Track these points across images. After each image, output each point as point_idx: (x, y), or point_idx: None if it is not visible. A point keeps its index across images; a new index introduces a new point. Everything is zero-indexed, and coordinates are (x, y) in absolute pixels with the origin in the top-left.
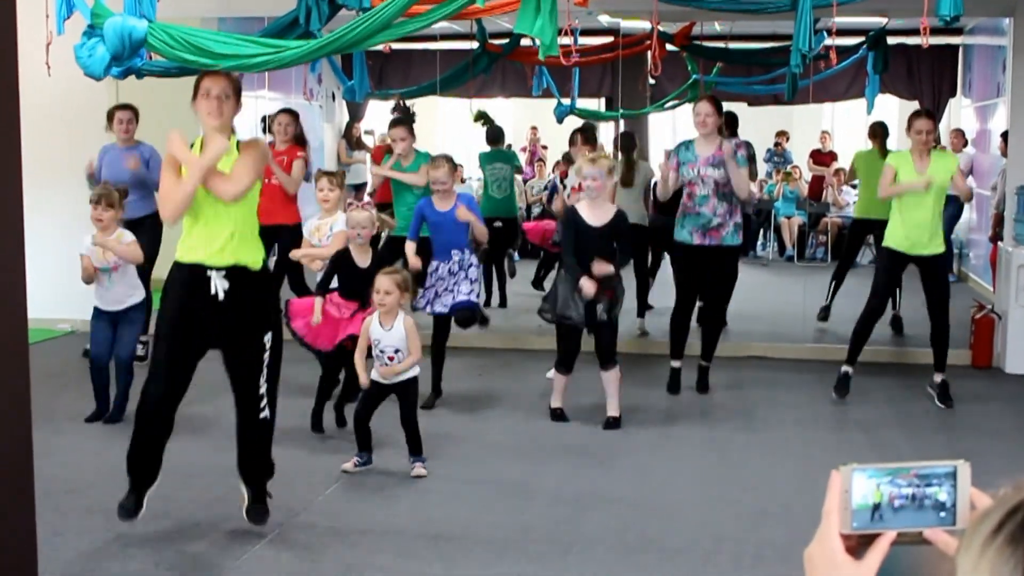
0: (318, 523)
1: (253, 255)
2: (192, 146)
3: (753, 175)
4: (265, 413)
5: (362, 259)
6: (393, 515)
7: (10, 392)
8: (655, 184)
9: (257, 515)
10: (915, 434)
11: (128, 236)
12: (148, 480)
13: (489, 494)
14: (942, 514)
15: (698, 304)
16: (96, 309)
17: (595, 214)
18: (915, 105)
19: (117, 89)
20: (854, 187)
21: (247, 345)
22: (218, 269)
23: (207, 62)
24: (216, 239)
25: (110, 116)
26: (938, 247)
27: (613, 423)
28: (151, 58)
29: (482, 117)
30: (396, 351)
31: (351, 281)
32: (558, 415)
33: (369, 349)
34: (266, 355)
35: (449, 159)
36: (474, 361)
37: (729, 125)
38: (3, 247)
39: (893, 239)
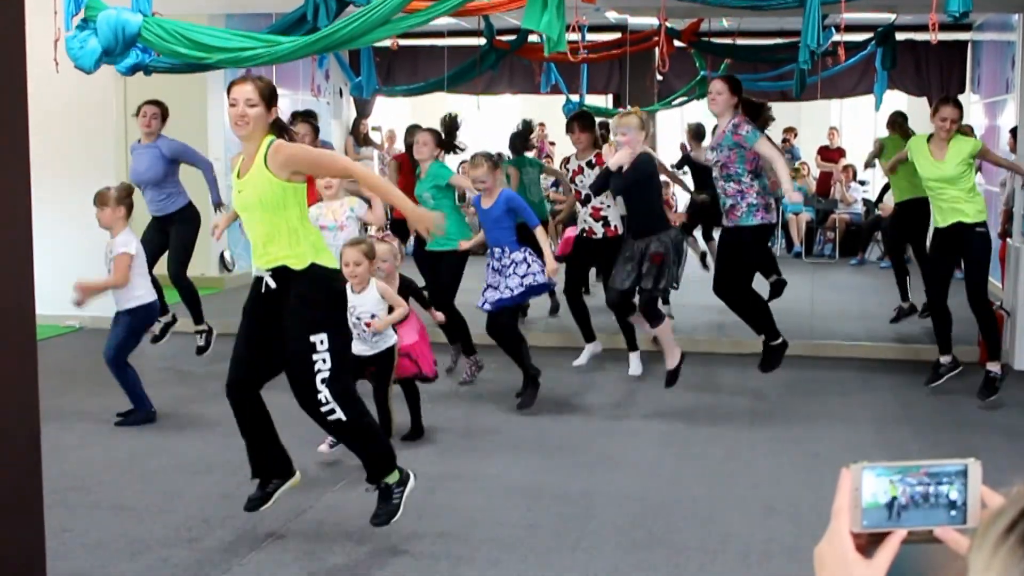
0: (324, 520)
1: (295, 254)
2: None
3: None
4: (336, 415)
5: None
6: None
7: (18, 389)
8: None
9: (375, 517)
10: (923, 431)
11: (120, 247)
12: (271, 471)
13: (495, 491)
14: (953, 512)
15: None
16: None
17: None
18: (923, 101)
19: (125, 86)
20: (862, 183)
21: (294, 343)
22: (267, 270)
23: (200, 55)
24: (256, 245)
25: (137, 112)
26: (977, 215)
27: (671, 377)
28: (158, 55)
29: (450, 123)
30: (372, 315)
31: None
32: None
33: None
34: (316, 356)
35: (489, 156)
36: (483, 357)
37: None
38: (12, 244)
39: (934, 222)
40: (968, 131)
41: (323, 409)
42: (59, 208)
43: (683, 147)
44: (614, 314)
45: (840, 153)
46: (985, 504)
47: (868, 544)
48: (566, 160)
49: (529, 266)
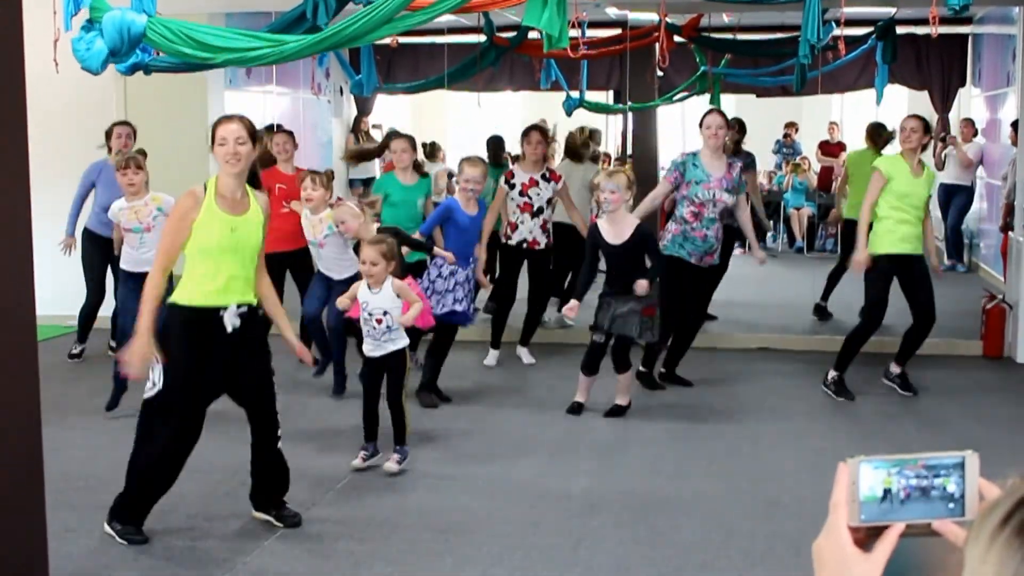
0: (328, 518)
1: (254, 292)
2: (206, 188)
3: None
4: (280, 438)
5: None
6: (403, 510)
7: (20, 390)
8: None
9: (292, 521)
10: (925, 424)
11: (168, 201)
12: (145, 513)
13: (498, 489)
14: (951, 505)
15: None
16: (123, 273)
17: (614, 231)
18: (924, 95)
19: (125, 86)
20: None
21: (259, 376)
22: (237, 308)
23: (206, 56)
24: (229, 285)
25: (108, 133)
26: (921, 247)
27: (617, 411)
28: (158, 54)
29: (392, 136)
30: (384, 313)
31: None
32: (573, 408)
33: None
34: (273, 380)
35: (485, 161)
36: (480, 355)
37: (739, 131)
38: (12, 245)
39: (889, 245)
40: (969, 125)
41: (277, 432)
42: (58, 208)
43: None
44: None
45: (841, 147)
46: (983, 496)
47: (866, 538)
48: (510, 174)
49: (471, 290)
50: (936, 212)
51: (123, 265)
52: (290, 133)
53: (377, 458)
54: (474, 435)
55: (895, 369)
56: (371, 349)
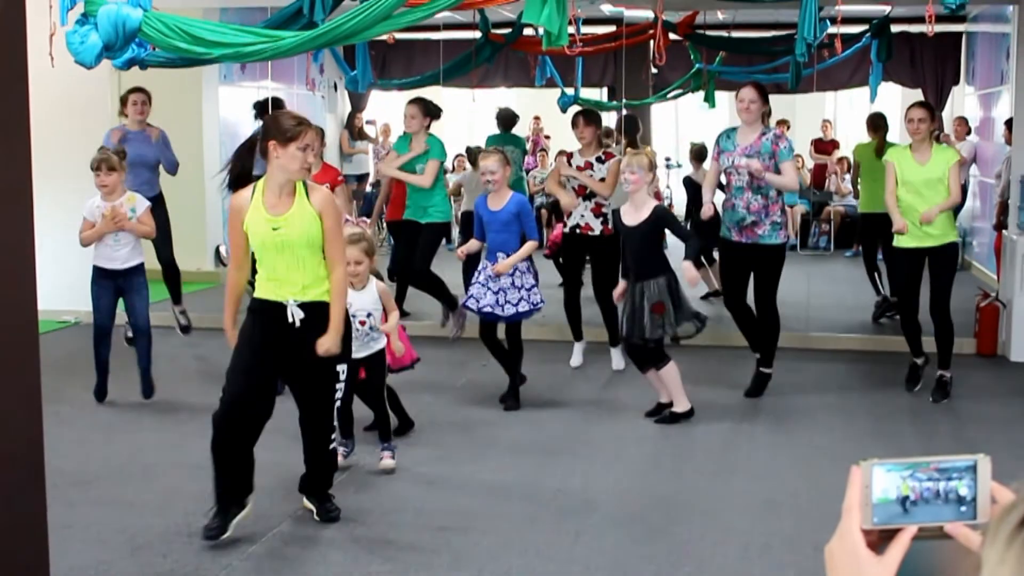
0: None
1: (326, 289)
2: (253, 191)
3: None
4: (334, 445)
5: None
6: (400, 507)
7: (21, 386)
8: (690, 178)
9: (328, 516)
10: (921, 423)
11: (142, 202)
12: (235, 503)
13: (495, 486)
14: (963, 508)
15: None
16: (98, 271)
17: (631, 213)
18: (918, 93)
19: (120, 80)
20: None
21: (320, 374)
22: (297, 303)
23: (202, 51)
24: (287, 280)
25: (124, 100)
26: (948, 235)
27: (671, 416)
28: (154, 49)
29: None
30: (368, 314)
31: None
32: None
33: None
34: (339, 385)
35: (500, 150)
36: (478, 352)
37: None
38: (14, 239)
39: (903, 239)
40: (963, 123)
41: (329, 437)
42: (53, 201)
43: (685, 180)
44: (629, 355)
45: (834, 145)
46: (995, 499)
47: (879, 541)
48: (568, 155)
49: (532, 281)
50: None
51: (95, 261)
52: (319, 130)
53: (353, 456)
54: (471, 433)
55: (941, 374)
56: (354, 349)
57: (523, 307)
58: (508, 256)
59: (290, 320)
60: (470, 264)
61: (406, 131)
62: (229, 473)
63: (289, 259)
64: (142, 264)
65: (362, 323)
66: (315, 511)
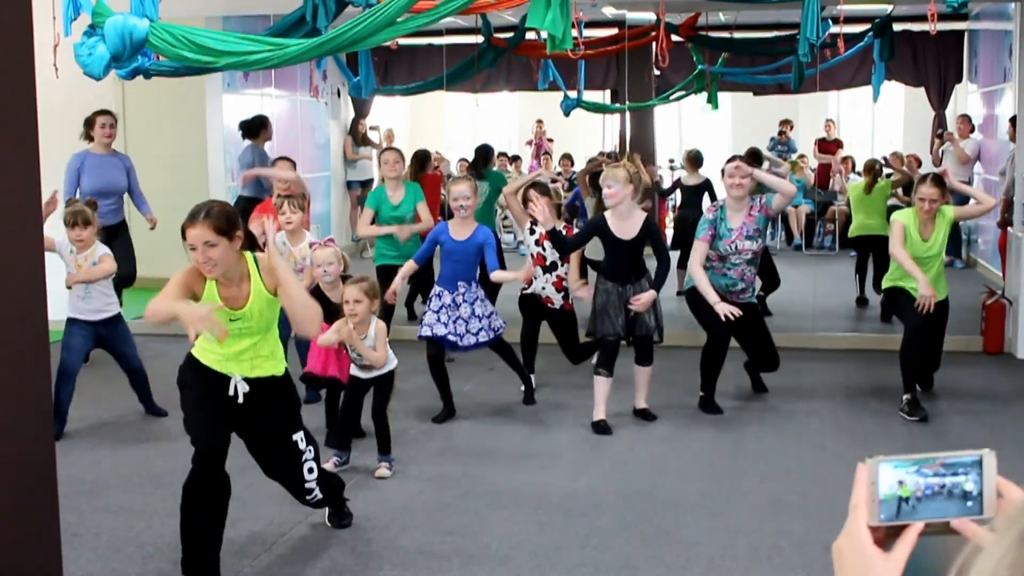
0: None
1: (276, 361)
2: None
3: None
4: (318, 497)
5: (334, 295)
6: (409, 512)
7: (32, 396)
8: (679, 178)
9: (341, 518)
10: (927, 421)
11: (102, 249)
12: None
13: (504, 490)
14: (969, 503)
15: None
16: (73, 321)
17: (622, 226)
18: (921, 92)
19: (123, 90)
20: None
21: (281, 445)
22: (244, 378)
23: (208, 60)
24: (236, 357)
25: (91, 122)
26: (942, 292)
27: (644, 414)
28: (157, 58)
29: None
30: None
31: (327, 317)
32: (602, 428)
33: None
34: (301, 450)
35: (469, 177)
36: (485, 357)
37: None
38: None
39: (904, 282)
40: (966, 121)
41: (309, 497)
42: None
43: (676, 181)
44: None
45: (838, 145)
46: (1001, 494)
47: (886, 537)
48: (534, 221)
49: (491, 307)
50: None
51: (69, 312)
52: (398, 151)
53: (347, 465)
54: (478, 437)
55: (905, 396)
56: (359, 372)
57: (483, 336)
58: (468, 286)
59: (232, 394)
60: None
61: (390, 176)
62: (199, 547)
63: (244, 343)
64: (120, 312)
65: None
66: (327, 515)
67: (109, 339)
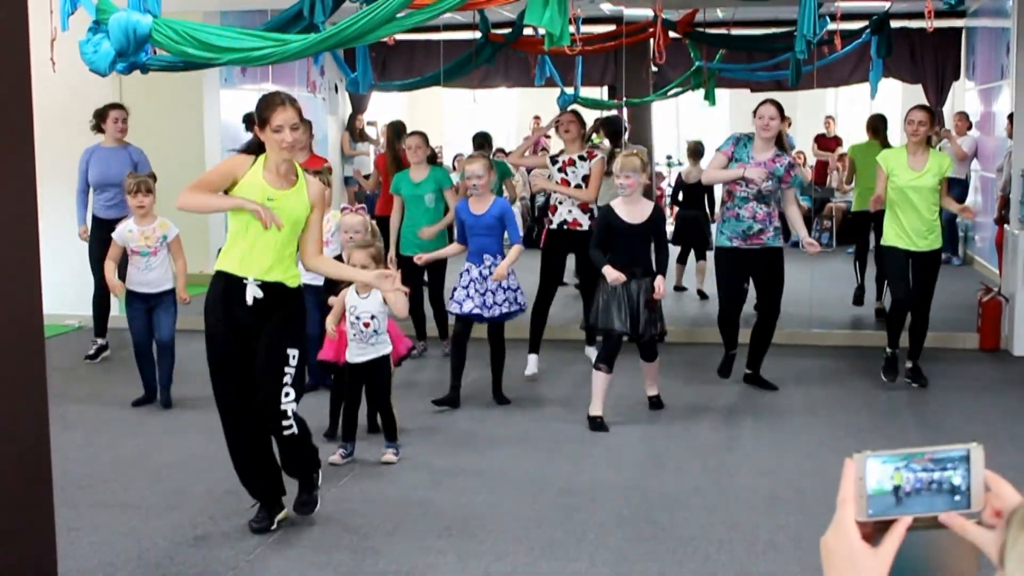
0: (331, 515)
1: (293, 274)
2: (254, 162)
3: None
4: (292, 431)
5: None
6: (405, 506)
7: (27, 390)
8: (680, 176)
9: (303, 506)
10: (922, 418)
11: (173, 228)
12: (272, 494)
13: (501, 485)
14: (956, 498)
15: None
16: (131, 294)
17: (631, 211)
18: (918, 89)
19: (121, 84)
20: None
21: (271, 353)
22: (255, 279)
23: (211, 56)
24: (257, 258)
25: (103, 115)
26: (936, 242)
27: (657, 402)
28: (155, 53)
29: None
30: (372, 317)
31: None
32: (598, 424)
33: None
34: (288, 369)
35: (485, 155)
36: (481, 350)
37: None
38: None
39: (892, 238)
40: (963, 118)
41: (282, 422)
42: (53, 207)
43: (678, 180)
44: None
45: (836, 142)
46: (989, 488)
47: (874, 532)
48: (558, 152)
49: (517, 283)
50: None
51: (129, 286)
52: (422, 135)
53: (352, 458)
54: (476, 431)
55: (908, 364)
56: (356, 354)
57: (507, 308)
58: (493, 258)
59: (250, 301)
60: (435, 269)
61: (413, 161)
62: (254, 478)
63: (268, 235)
64: (172, 289)
65: (366, 325)
66: (294, 502)
67: (156, 307)
